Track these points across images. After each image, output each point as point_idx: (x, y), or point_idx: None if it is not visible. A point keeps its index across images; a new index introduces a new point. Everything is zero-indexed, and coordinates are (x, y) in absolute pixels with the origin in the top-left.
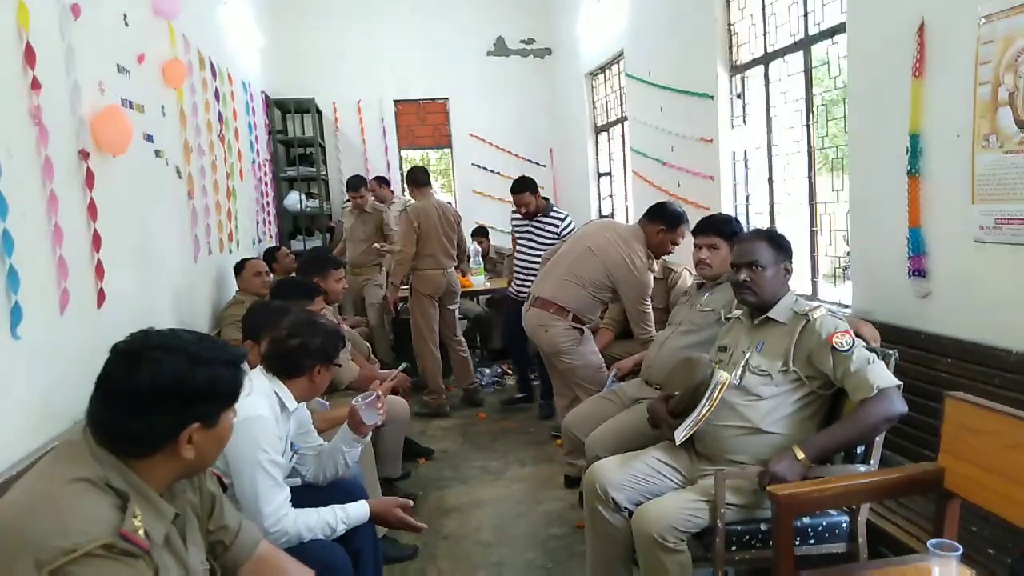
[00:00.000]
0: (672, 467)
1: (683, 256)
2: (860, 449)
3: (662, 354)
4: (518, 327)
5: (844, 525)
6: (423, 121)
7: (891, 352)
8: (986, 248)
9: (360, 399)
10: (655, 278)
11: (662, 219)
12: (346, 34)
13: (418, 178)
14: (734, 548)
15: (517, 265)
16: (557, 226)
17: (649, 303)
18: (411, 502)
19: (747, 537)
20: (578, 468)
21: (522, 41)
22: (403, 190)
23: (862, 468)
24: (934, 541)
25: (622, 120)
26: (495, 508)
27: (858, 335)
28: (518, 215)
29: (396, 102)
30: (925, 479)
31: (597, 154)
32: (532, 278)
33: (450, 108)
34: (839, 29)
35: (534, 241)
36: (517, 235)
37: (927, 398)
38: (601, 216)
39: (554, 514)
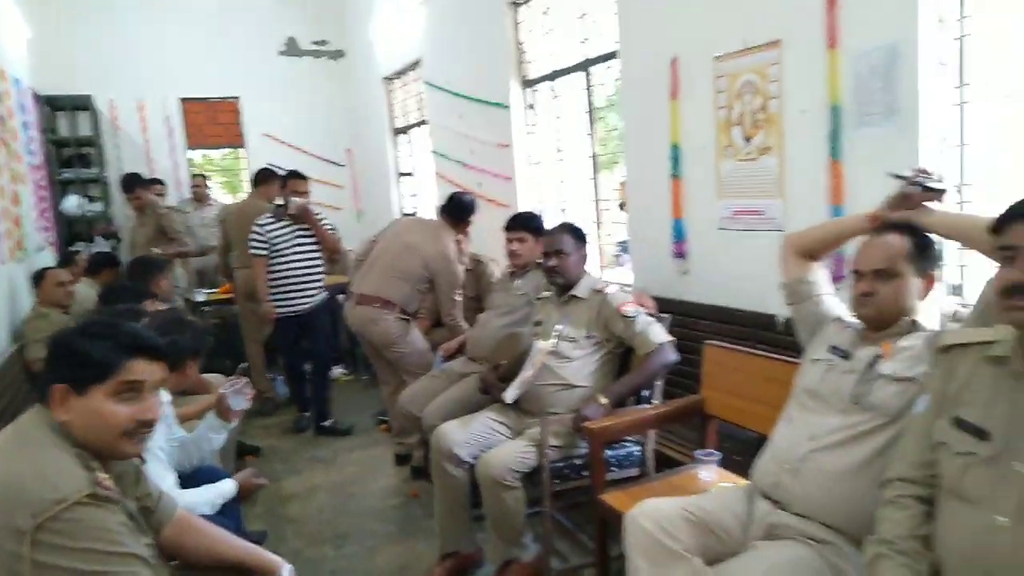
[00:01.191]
0: (503, 423)
1: (491, 248)
2: (647, 393)
3: (485, 333)
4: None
5: (637, 452)
6: (214, 120)
7: (665, 316)
8: (727, 234)
9: (228, 386)
10: (466, 269)
11: (453, 211)
12: (126, 28)
13: (254, 179)
14: (557, 481)
15: (285, 276)
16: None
17: (459, 292)
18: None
19: (567, 471)
20: (408, 446)
21: (315, 42)
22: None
23: (648, 406)
24: (699, 451)
25: (422, 123)
26: (333, 491)
27: (641, 305)
28: (277, 219)
29: (183, 100)
30: (692, 407)
31: (397, 155)
32: (310, 287)
33: (242, 107)
34: (613, 55)
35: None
36: (280, 242)
37: (691, 352)
38: (404, 215)
39: (390, 488)
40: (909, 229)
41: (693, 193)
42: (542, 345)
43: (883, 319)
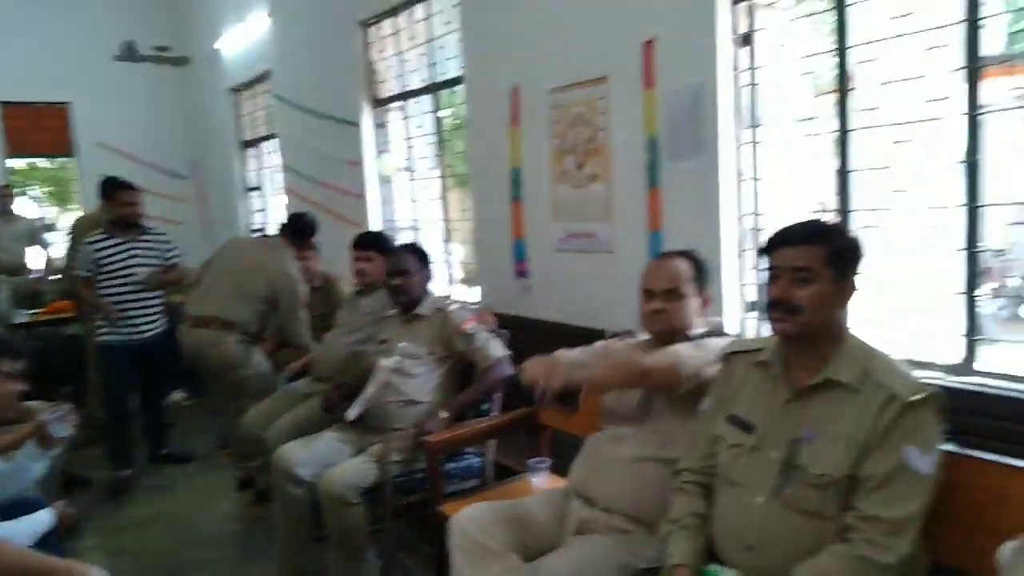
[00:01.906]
0: (346, 442)
1: (342, 266)
2: (487, 406)
3: (331, 352)
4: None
5: (477, 464)
6: (38, 126)
7: (504, 332)
8: (564, 254)
9: (50, 413)
10: (316, 287)
11: (294, 233)
12: None
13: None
14: (399, 495)
15: (115, 301)
16: (167, 245)
17: (304, 311)
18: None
19: (409, 485)
20: (251, 469)
21: (156, 48)
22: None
23: (487, 418)
24: (532, 460)
25: (271, 137)
26: (172, 519)
27: (481, 322)
28: (108, 236)
29: (2, 104)
30: (528, 418)
31: (245, 169)
32: (147, 313)
33: (73, 113)
34: (459, 80)
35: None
36: (110, 262)
37: None
38: (252, 231)
39: (232, 514)
40: (690, 255)
41: (533, 215)
42: (385, 362)
43: (672, 333)
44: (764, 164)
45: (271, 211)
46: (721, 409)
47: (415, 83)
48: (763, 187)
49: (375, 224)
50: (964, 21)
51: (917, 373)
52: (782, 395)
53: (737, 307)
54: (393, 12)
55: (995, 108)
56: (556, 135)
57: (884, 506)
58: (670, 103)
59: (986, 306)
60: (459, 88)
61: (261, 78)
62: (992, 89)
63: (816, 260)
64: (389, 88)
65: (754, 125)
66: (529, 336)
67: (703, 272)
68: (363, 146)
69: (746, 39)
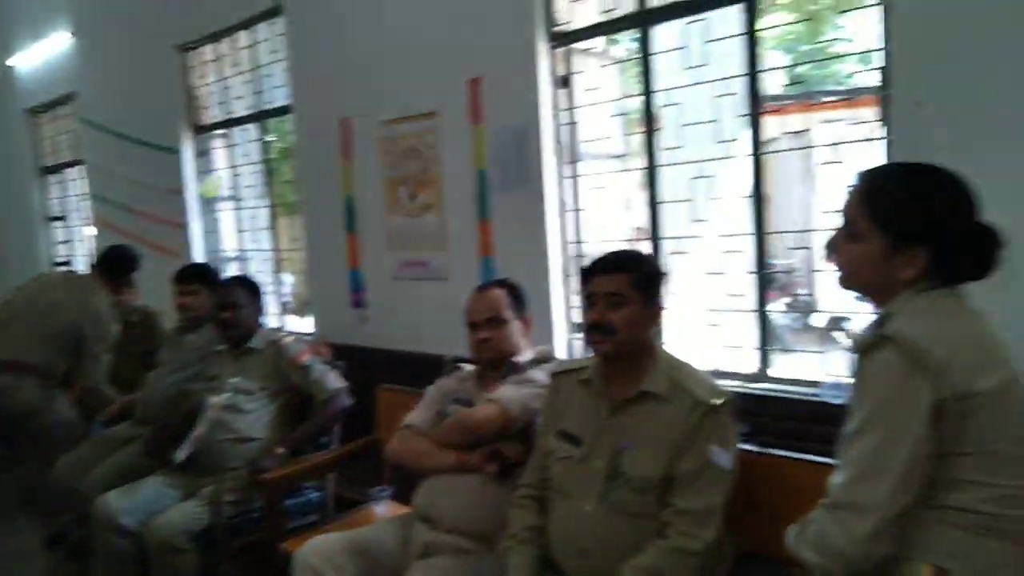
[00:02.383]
0: (174, 486)
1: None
2: (326, 439)
3: (155, 392)
4: None
5: (317, 498)
6: None
7: (339, 364)
8: (400, 283)
9: None
10: (134, 323)
11: (111, 268)
12: None
13: None
14: (235, 536)
15: None
16: None
17: (108, 355)
18: None
19: (244, 525)
20: (60, 525)
21: None
22: None
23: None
24: (374, 489)
25: (78, 163)
26: None
27: (317, 353)
28: None
29: None
30: (368, 448)
31: (46, 197)
32: None
33: None
34: (288, 109)
35: None
36: None
37: (369, 393)
38: (55, 264)
39: (42, 571)
40: (506, 283)
41: (368, 246)
42: (215, 400)
43: (500, 358)
44: (585, 196)
45: (77, 243)
46: (552, 426)
47: (240, 110)
48: (585, 217)
49: (199, 255)
50: (745, 75)
51: (721, 382)
52: (604, 409)
53: (564, 329)
54: (215, 38)
55: (775, 149)
56: (389, 166)
57: (693, 499)
58: (497, 139)
59: (781, 319)
60: (288, 117)
61: (64, 100)
62: (770, 129)
63: (625, 286)
64: (212, 115)
65: (575, 160)
66: (368, 366)
67: (520, 297)
68: (184, 174)
69: (565, 81)
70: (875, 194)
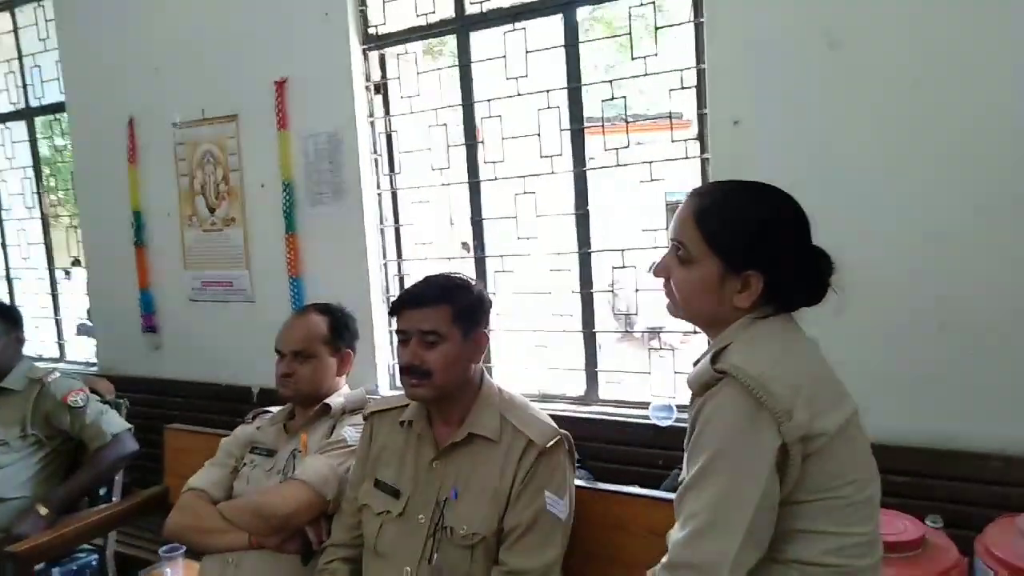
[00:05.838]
0: None
1: None
2: (104, 491)
3: None
4: None
5: (94, 562)
6: None
7: (122, 401)
8: (199, 305)
9: None
10: None
11: None
12: None
13: None
14: None
15: None
16: None
17: None
18: None
19: None
20: None
21: None
22: None
23: (106, 506)
24: (164, 548)
25: None
26: None
27: (94, 391)
28: None
29: None
30: (154, 499)
31: None
32: None
33: None
34: (63, 107)
35: None
36: None
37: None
38: None
39: None
40: (329, 310)
41: (160, 262)
42: None
43: (302, 398)
44: (404, 211)
45: None
46: (367, 474)
47: (4, 106)
48: (405, 233)
49: None
50: (567, 87)
51: (548, 405)
52: (427, 454)
53: (388, 360)
54: None
55: (597, 165)
56: (184, 174)
57: (527, 557)
58: (307, 146)
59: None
60: (62, 115)
61: None
62: (591, 147)
63: (442, 322)
64: None
65: (393, 172)
66: (163, 400)
67: (342, 329)
68: None
69: (380, 87)
70: (707, 215)
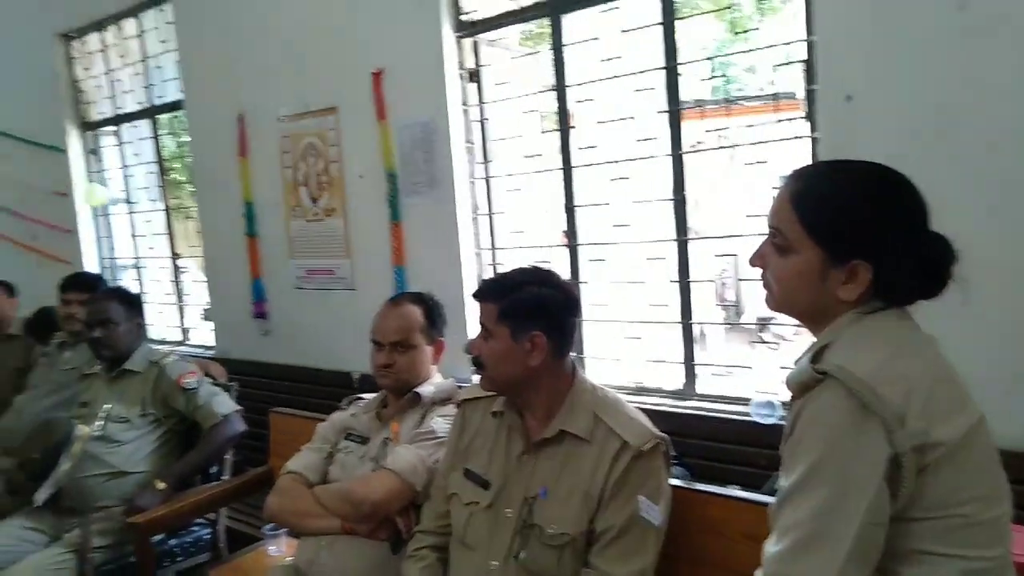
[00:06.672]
0: (36, 530)
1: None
2: (216, 469)
3: (24, 420)
4: None
5: (207, 536)
6: None
7: (232, 384)
8: (304, 293)
9: None
10: (8, 336)
11: None
12: None
13: None
14: None
15: None
16: None
17: None
18: None
19: (119, 573)
20: None
21: None
22: None
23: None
24: (267, 526)
25: None
26: None
27: (208, 374)
28: None
29: None
30: (259, 478)
31: None
32: None
33: None
34: (180, 105)
35: None
36: None
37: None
38: None
39: None
40: (423, 299)
41: (269, 252)
42: (83, 431)
43: (402, 388)
44: (498, 199)
45: None
46: (457, 463)
47: (131, 106)
48: (500, 222)
49: (91, 263)
50: (663, 68)
51: (643, 399)
52: (517, 448)
53: None
54: (100, 26)
55: (694, 148)
56: (288, 166)
57: (618, 562)
58: (404, 136)
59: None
60: (180, 113)
61: None
62: (691, 131)
63: (490, 318)
64: (101, 111)
65: (487, 160)
66: (270, 383)
67: (436, 317)
68: (72, 175)
69: (473, 74)
70: (807, 199)
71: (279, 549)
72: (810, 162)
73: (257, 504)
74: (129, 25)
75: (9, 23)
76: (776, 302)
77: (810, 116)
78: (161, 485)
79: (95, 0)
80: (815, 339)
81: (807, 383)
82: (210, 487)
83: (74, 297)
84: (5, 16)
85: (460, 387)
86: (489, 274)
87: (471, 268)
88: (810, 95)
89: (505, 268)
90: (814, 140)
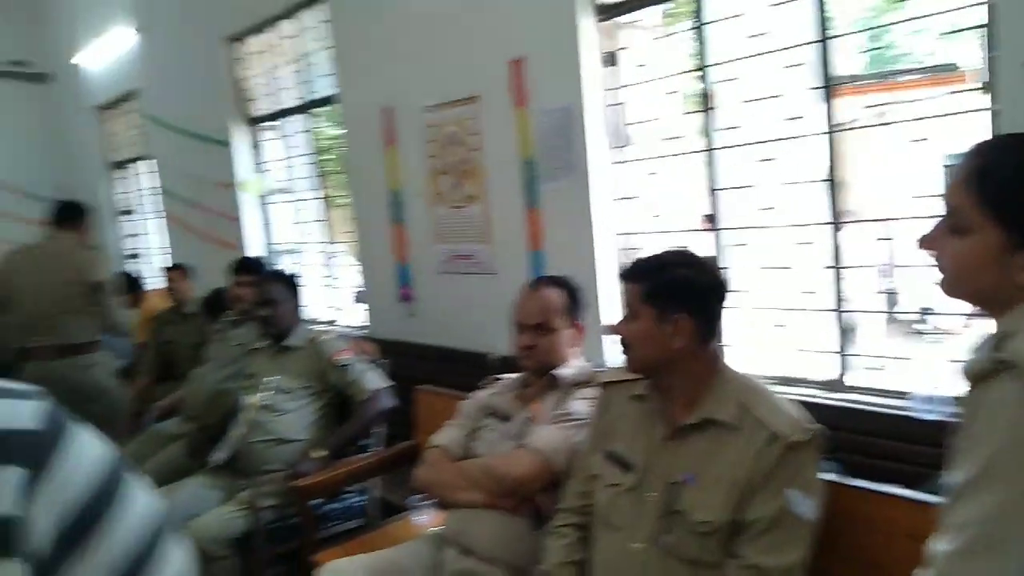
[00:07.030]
0: (215, 488)
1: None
2: (368, 441)
3: (202, 390)
4: None
5: (359, 503)
6: None
7: (383, 361)
8: (446, 277)
9: None
10: (187, 315)
11: (69, 214)
12: None
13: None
14: (273, 543)
15: None
16: None
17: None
18: None
19: (284, 532)
20: None
21: (12, 62)
22: None
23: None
24: (412, 497)
25: (144, 157)
26: None
27: (359, 351)
28: None
29: None
30: (405, 452)
31: (115, 191)
32: None
33: None
34: (334, 99)
35: None
36: None
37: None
38: (126, 257)
39: None
40: (563, 283)
41: (414, 238)
42: (252, 400)
43: (543, 369)
44: (637, 183)
45: (148, 236)
46: (599, 444)
47: (289, 101)
48: (637, 206)
49: (255, 248)
50: (816, 41)
51: (791, 390)
52: (660, 432)
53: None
54: (260, 28)
55: (850, 126)
56: (432, 155)
57: (767, 554)
58: (542, 123)
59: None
60: (334, 107)
61: (128, 96)
62: (846, 107)
63: (635, 298)
64: (262, 106)
65: (624, 144)
66: (414, 362)
67: (576, 300)
68: (236, 167)
69: (612, 57)
70: (988, 176)
71: (426, 519)
72: (993, 137)
73: (406, 476)
74: (286, 26)
75: (184, 30)
76: (949, 286)
77: (989, 87)
78: (320, 453)
79: (257, 3)
80: (994, 326)
81: (986, 372)
82: (362, 457)
83: (244, 279)
84: (187, 24)
85: (598, 371)
86: (625, 260)
87: (607, 253)
88: (991, 63)
89: (645, 252)
90: (994, 113)
